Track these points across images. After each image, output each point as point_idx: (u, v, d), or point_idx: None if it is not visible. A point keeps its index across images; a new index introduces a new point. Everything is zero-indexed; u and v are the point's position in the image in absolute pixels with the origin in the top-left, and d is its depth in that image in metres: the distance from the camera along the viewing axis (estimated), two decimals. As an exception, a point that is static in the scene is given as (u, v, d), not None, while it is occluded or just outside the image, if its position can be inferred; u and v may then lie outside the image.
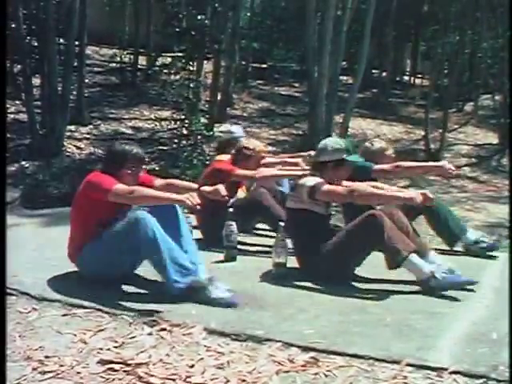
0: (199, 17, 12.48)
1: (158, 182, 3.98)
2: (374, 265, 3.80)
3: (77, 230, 3.70)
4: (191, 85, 12.63)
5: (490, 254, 4.69)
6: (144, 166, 3.89)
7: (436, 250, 4.62)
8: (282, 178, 4.87)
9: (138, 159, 3.79)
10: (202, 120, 12.72)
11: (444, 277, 3.59)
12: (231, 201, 4.78)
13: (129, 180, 3.68)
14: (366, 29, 14.45)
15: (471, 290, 3.66)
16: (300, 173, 4.39)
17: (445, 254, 4.63)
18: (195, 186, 4.01)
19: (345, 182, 4.05)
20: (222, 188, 3.79)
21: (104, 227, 3.59)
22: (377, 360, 2.67)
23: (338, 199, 3.92)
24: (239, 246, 4.41)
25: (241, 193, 5.13)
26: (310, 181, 3.83)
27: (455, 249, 4.81)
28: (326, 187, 3.77)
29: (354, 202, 3.79)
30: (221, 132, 5.42)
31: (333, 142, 4.07)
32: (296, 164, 5.01)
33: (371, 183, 4.20)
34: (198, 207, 3.43)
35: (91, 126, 13.66)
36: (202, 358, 2.70)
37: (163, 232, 3.44)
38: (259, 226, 5.28)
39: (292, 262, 3.98)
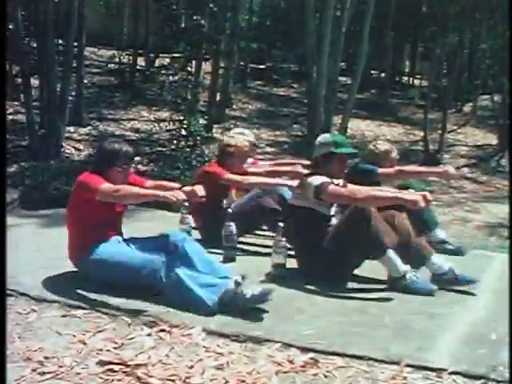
0: (195, 17, 12.46)
1: (149, 183, 4.02)
2: (373, 266, 3.80)
3: (76, 231, 3.69)
4: (190, 85, 12.62)
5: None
6: (133, 164, 3.87)
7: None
8: (269, 186, 4.87)
9: (127, 157, 3.78)
10: (201, 121, 12.70)
11: (414, 281, 3.65)
12: (225, 202, 4.82)
13: (119, 178, 3.68)
14: (365, 29, 14.47)
15: (471, 291, 3.68)
16: (289, 182, 4.41)
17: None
18: (177, 185, 4.01)
19: (350, 186, 4.08)
20: (199, 188, 3.77)
21: (108, 233, 3.61)
22: (376, 361, 2.68)
23: (342, 201, 3.90)
24: (238, 247, 4.41)
25: (238, 195, 5.11)
26: (317, 180, 3.83)
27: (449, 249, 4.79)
28: (331, 188, 3.78)
29: (357, 204, 3.81)
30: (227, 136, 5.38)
31: (320, 137, 4.09)
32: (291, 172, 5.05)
33: (375, 187, 4.22)
34: (186, 204, 3.45)
35: (90, 127, 13.65)
36: (201, 359, 2.70)
37: (184, 269, 3.38)
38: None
39: (291, 263, 3.98)
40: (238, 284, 3.32)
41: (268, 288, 3.31)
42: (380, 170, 4.84)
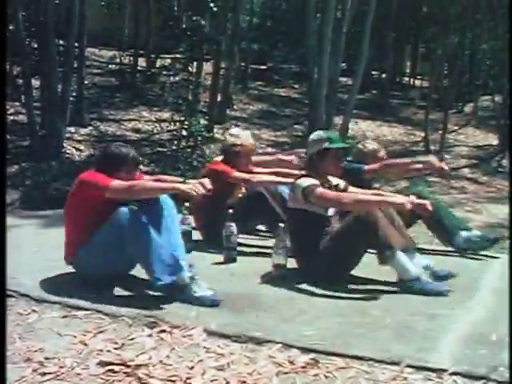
0: (195, 18, 12.47)
1: (146, 178, 4.02)
2: (373, 266, 3.80)
3: (71, 230, 3.69)
4: (191, 86, 12.64)
5: (484, 251, 4.68)
6: (138, 170, 3.89)
7: (433, 251, 4.67)
8: (277, 184, 4.89)
9: (135, 163, 3.80)
10: (202, 121, 12.72)
11: (428, 282, 3.65)
12: (229, 201, 4.81)
13: (124, 180, 3.67)
14: (366, 30, 14.46)
15: (472, 292, 3.68)
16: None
17: (442, 255, 4.65)
18: (181, 180, 4.01)
19: (351, 188, 4.09)
20: (206, 181, 3.75)
21: (97, 226, 3.59)
22: (377, 361, 2.67)
23: (328, 204, 3.89)
24: (239, 248, 4.41)
25: (239, 193, 5.11)
26: (304, 182, 3.85)
27: (450, 249, 4.79)
28: (318, 190, 3.78)
29: (343, 209, 3.83)
30: (230, 135, 5.37)
31: (313, 134, 4.10)
32: (290, 162, 5.12)
33: (374, 191, 4.24)
34: (207, 191, 3.52)
35: (91, 128, 13.66)
36: (201, 360, 2.70)
37: (149, 228, 3.42)
38: (259, 226, 5.28)
39: (292, 263, 3.99)
40: (192, 279, 3.37)
41: (218, 297, 3.36)
42: (366, 167, 4.88)
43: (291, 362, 2.67)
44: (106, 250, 3.51)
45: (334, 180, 4.06)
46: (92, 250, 3.54)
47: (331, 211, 4.02)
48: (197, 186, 3.47)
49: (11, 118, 12.43)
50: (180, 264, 3.41)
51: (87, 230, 3.59)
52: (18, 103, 13.11)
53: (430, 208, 3.82)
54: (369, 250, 3.84)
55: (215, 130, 14.37)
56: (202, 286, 3.40)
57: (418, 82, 25.42)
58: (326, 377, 2.56)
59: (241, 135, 5.10)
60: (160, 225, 3.54)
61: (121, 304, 3.32)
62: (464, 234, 4.72)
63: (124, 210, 3.49)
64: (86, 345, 2.85)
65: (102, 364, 2.63)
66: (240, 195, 5.03)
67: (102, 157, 3.86)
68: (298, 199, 3.87)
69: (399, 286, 3.69)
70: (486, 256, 4.66)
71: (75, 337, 2.93)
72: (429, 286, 3.63)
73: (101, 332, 3.01)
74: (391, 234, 3.67)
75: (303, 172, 4.11)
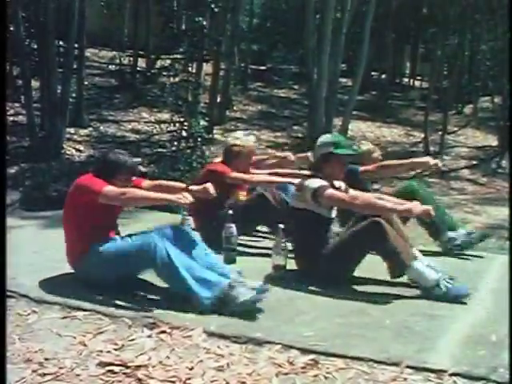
0: (197, 19, 12.48)
1: (146, 183, 4.01)
2: (373, 267, 3.80)
3: (74, 233, 3.68)
4: (190, 87, 12.64)
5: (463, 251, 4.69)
6: (135, 177, 3.91)
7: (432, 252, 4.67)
8: (276, 183, 4.89)
9: (131, 171, 3.81)
10: (202, 122, 12.71)
11: (449, 287, 3.58)
12: (229, 202, 4.80)
13: (119, 187, 3.67)
14: (366, 31, 14.47)
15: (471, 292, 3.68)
16: (295, 180, 4.42)
17: (440, 256, 4.64)
18: (183, 185, 4.01)
19: (351, 191, 4.09)
20: (210, 186, 3.76)
21: (108, 234, 3.62)
22: (376, 362, 2.68)
23: (340, 204, 3.89)
24: (238, 248, 4.41)
25: (242, 196, 5.10)
26: (315, 183, 3.83)
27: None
28: (329, 191, 3.78)
29: (354, 209, 3.82)
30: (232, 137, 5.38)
31: (321, 137, 4.08)
32: (286, 160, 5.25)
33: (375, 194, 4.24)
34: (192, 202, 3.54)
35: (90, 128, 13.67)
36: (201, 361, 2.70)
37: (178, 252, 3.40)
38: (259, 227, 5.27)
39: (291, 264, 3.98)
40: (232, 287, 3.31)
41: (262, 289, 3.31)
42: (361, 169, 4.88)
43: (291, 363, 2.68)
44: (124, 262, 3.51)
45: (336, 183, 4.05)
46: (106, 256, 3.54)
47: (334, 213, 4.02)
48: (185, 195, 3.51)
49: (11, 118, 12.42)
50: (220, 276, 3.41)
51: (87, 233, 3.59)
52: (17, 104, 13.11)
53: (432, 213, 3.81)
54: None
55: (215, 131, 14.38)
56: (242, 289, 3.30)
57: (417, 83, 25.43)
58: (326, 377, 2.57)
59: (242, 136, 5.11)
60: (184, 245, 3.56)
61: (120, 305, 3.32)
62: (455, 232, 4.75)
63: (152, 236, 3.48)
64: (85, 346, 2.85)
65: (102, 365, 2.64)
66: (241, 197, 5.03)
67: (100, 163, 3.89)
68: (305, 199, 3.86)
69: (423, 294, 3.62)
70: (480, 257, 4.67)
71: (75, 337, 2.94)
72: (449, 291, 3.55)
73: (100, 333, 3.01)
74: (401, 248, 3.63)
75: (308, 172, 4.11)
